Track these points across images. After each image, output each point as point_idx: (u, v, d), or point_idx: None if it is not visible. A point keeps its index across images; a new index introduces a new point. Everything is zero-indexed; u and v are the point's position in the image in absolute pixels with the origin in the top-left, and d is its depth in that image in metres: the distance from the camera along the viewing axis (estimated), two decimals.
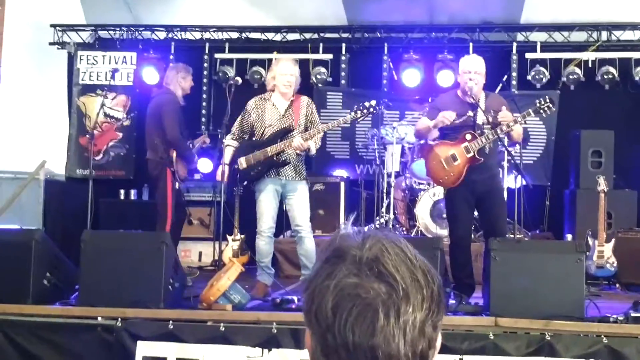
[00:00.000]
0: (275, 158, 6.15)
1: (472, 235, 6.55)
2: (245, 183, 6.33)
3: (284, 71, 6.26)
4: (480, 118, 5.92)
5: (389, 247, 1.22)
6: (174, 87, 7.17)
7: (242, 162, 6.26)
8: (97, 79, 10.03)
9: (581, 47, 9.48)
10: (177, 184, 6.99)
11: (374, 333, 1.16)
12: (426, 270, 1.23)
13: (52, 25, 10.16)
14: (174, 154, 6.99)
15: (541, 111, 5.96)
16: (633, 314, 5.16)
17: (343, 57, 9.91)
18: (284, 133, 6.19)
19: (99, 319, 5.24)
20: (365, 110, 6.16)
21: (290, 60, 6.47)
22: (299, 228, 6.21)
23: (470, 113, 5.93)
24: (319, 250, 1.31)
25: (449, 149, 5.96)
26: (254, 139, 6.33)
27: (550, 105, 5.91)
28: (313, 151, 6.27)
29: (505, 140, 6.07)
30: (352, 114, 6.28)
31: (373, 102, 6.17)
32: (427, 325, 1.21)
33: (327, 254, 1.25)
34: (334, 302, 1.17)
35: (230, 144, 6.39)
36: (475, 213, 6.32)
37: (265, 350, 5.00)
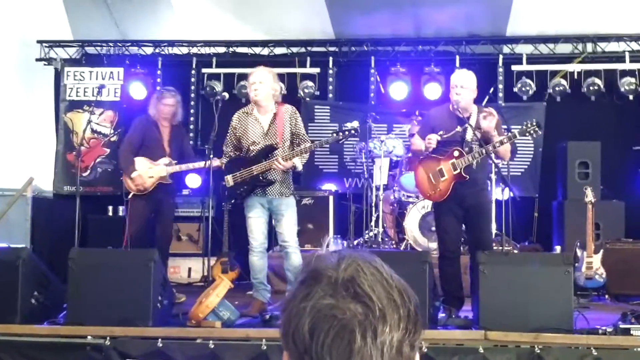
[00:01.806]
0: (260, 177, 6.10)
1: (462, 248, 6.55)
2: (232, 201, 6.29)
3: (250, 80, 6.22)
4: (469, 134, 5.94)
5: (364, 267, 1.21)
6: (149, 108, 7.40)
7: (229, 180, 6.21)
8: (84, 95, 10.01)
9: (567, 59, 9.55)
10: (128, 194, 7.10)
11: (351, 355, 1.14)
12: (402, 290, 1.22)
13: (38, 42, 10.13)
14: None
15: (527, 134, 5.99)
16: (622, 326, 5.19)
17: (330, 71, 9.94)
18: (268, 151, 6.11)
19: (88, 337, 5.21)
20: (347, 133, 6.13)
21: (261, 69, 6.29)
22: (285, 244, 6.16)
23: (459, 128, 5.94)
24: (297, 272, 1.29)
25: (437, 164, 5.98)
26: (240, 154, 6.27)
27: (537, 129, 5.94)
28: (299, 167, 6.20)
29: (493, 155, 6.08)
30: (334, 135, 6.20)
31: (355, 124, 6.17)
32: (404, 345, 1.19)
33: (303, 275, 1.24)
34: (311, 324, 1.16)
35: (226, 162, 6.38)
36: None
37: None
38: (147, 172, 7.07)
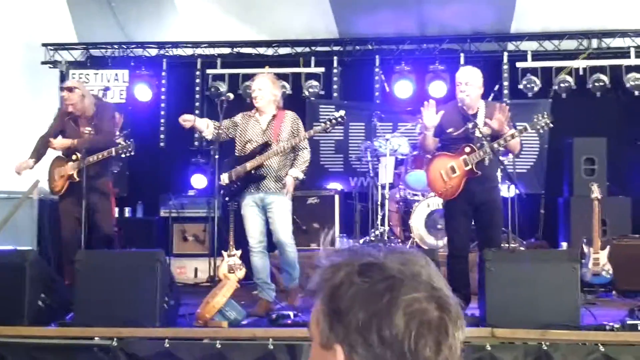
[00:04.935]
0: (253, 172, 6.23)
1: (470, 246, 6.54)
2: (227, 199, 6.39)
3: (253, 86, 6.42)
4: (478, 131, 5.93)
5: (426, 265, 1.24)
6: None
7: (224, 178, 6.35)
8: None
9: (572, 55, 9.52)
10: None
11: (440, 351, 1.17)
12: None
13: (43, 45, 10.18)
14: None
15: (538, 127, 5.99)
16: (629, 322, 5.18)
17: (335, 70, 9.94)
18: (262, 148, 6.26)
19: (95, 339, 5.22)
20: (334, 121, 6.25)
21: (263, 75, 6.50)
22: (279, 242, 6.26)
23: (470, 125, 5.94)
24: (325, 266, 1.26)
25: (449, 160, 5.98)
26: (235, 154, 6.42)
27: (548, 122, 5.93)
28: (300, 176, 6.31)
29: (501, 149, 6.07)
30: (322, 124, 6.40)
31: (342, 112, 6.28)
32: (463, 343, 1.23)
33: (357, 267, 1.22)
34: (405, 319, 1.17)
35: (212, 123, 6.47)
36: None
37: None
38: (59, 171, 6.88)
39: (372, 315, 1.18)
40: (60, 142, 6.88)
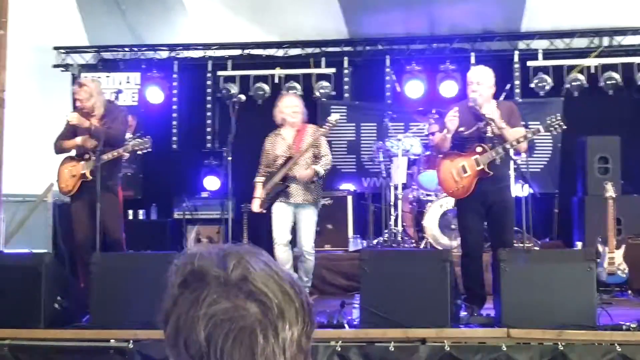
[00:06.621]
0: (282, 184, 6.55)
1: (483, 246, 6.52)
2: (264, 211, 6.66)
3: (288, 104, 6.70)
4: (491, 130, 5.92)
5: (253, 263, 1.16)
6: None
7: (262, 194, 6.69)
8: None
9: (583, 53, 9.49)
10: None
11: (253, 357, 1.10)
12: (292, 282, 1.18)
13: (55, 48, 10.23)
14: None
15: (551, 128, 5.97)
16: None
17: (346, 71, 9.94)
18: (286, 160, 6.56)
19: (112, 341, 5.24)
20: (330, 125, 6.54)
21: (293, 95, 6.94)
22: (301, 248, 6.57)
23: (482, 124, 5.93)
24: (169, 274, 1.21)
25: (460, 160, 5.97)
26: (268, 169, 6.72)
27: (561, 123, 5.92)
28: (322, 173, 6.60)
29: (511, 151, 6.05)
30: (322, 129, 6.59)
31: (337, 116, 6.79)
32: (302, 339, 1.15)
33: (182, 276, 1.17)
34: (207, 331, 1.10)
35: (259, 180, 6.74)
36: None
37: None
38: (70, 171, 6.79)
39: (176, 331, 1.14)
40: (78, 117, 6.71)
